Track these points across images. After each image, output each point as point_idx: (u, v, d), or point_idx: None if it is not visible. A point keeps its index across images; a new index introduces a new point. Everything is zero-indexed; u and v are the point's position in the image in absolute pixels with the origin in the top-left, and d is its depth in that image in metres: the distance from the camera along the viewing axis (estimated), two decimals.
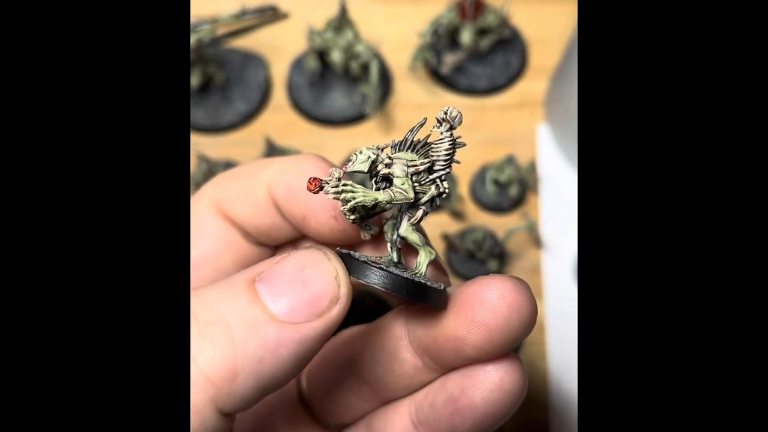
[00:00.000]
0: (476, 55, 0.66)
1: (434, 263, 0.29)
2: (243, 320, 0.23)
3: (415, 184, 0.27)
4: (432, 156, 0.27)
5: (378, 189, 0.27)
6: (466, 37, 0.63)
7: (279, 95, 0.67)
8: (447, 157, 0.27)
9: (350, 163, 0.27)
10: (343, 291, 0.24)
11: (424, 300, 0.27)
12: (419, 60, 0.63)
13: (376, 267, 0.26)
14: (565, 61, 0.60)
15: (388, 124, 0.66)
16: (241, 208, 0.31)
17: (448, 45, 0.66)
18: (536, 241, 0.61)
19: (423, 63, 0.64)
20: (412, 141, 0.28)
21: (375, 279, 0.26)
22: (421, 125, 0.28)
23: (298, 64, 0.67)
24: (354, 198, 0.26)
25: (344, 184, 0.26)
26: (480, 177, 0.62)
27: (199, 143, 0.65)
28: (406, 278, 0.26)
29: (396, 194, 0.26)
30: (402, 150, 0.28)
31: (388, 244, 0.29)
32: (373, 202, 0.26)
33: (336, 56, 0.61)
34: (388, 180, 0.27)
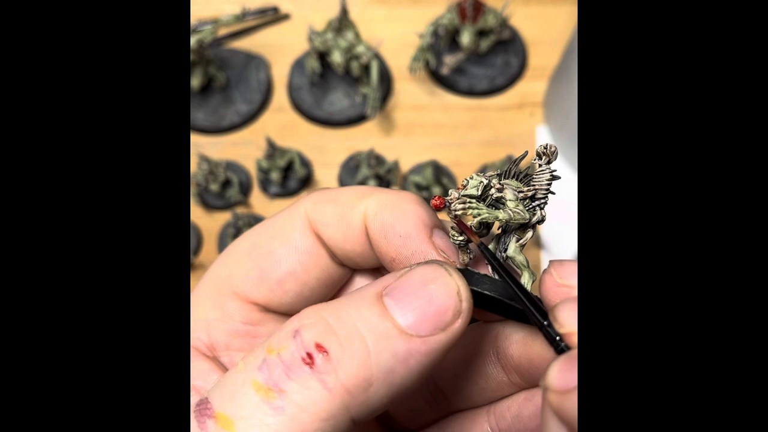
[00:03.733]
0: (476, 56, 0.66)
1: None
2: (376, 334, 0.24)
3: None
4: (534, 185, 0.30)
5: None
6: (466, 38, 0.63)
7: (280, 96, 0.67)
8: (547, 187, 0.30)
9: (463, 188, 0.28)
10: (465, 306, 0.26)
11: (537, 317, 0.28)
12: (419, 61, 0.63)
13: (497, 279, 0.28)
14: (563, 63, 0.60)
15: (388, 125, 0.66)
16: (335, 231, 0.32)
17: (448, 46, 0.67)
18: (536, 241, 0.61)
19: (423, 64, 0.64)
20: (514, 171, 0.30)
21: (496, 290, 0.28)
22: (523, 157, 0.30)
23: (298, 65, 0.67)
24: (480, 214, 0.28)
25: (470, 202, 0.28)
26: None
27: (200, 143, 0.65)
28: (529, 293, 0.28)
29: (514, 214, 0.28)
30: (507, 178, 0.30)
31: (489, 268, 0.30)
32: (495, 219, 0.28)
33: (337, 57, 0.61)
34: (498, 205, 0.29)
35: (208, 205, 0.63)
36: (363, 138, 0.66)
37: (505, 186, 0.29)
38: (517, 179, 0.30)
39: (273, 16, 0.70)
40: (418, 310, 0.25)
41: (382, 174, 0.62)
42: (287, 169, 0.63)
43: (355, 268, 0.34)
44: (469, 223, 0.28)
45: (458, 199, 0.28)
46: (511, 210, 0.28)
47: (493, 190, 0.28)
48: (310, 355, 0.23)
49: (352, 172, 0.64)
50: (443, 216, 0.30)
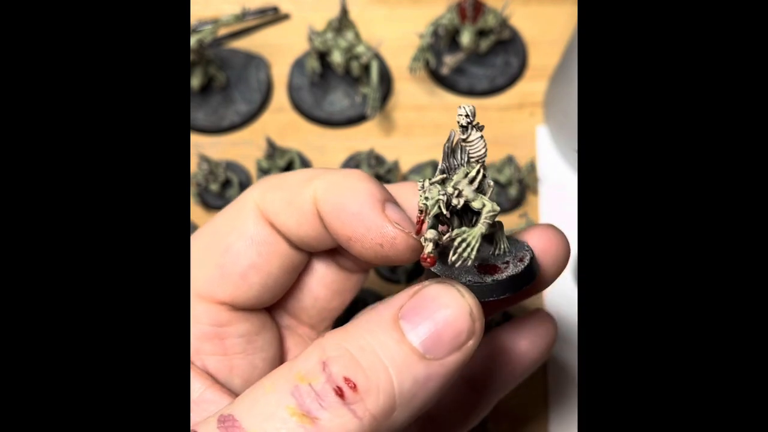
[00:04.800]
0: (476, 56, 0.66)
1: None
2: (397, 363, 0.25)
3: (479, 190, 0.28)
4: (474, 156, 0.28)
5: (460, 220, 0.29)
6: (465, 38, 0.63)
7: (280, 96, 0.67)
8: (484, 146, 0.28)
9: (427, 211, 0.27)
10: (477, 325, 0.27)
11: (533, 277, 0.29)
12: (419, 61, 0.63)
13: (494, 281, 0.28)
14: (563, 63, 0.60)
15: (388, 125, 0.66)
16: (286, 218, 0.31)
17: (448, 46, 0.67)
18: None
19: (423, 64, 0.64)
20: (446, 152, 0.29)
21: (500, 292, 0.28)
22: (451, 140, 0.29)
23: (298, 65, 0.67)
24: (475, 247, 0.27)
25: (460, 241, 0.27)
26: None
27: (200, 143, 0.65)
28: (522, 270, 0.29)
29: (488, 219, 0.28)
30: (451, 169, 0.28)
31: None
32: (481, 233, 0.28)
33: (337, 57, 0.61)
34: (466, 207, 0.28)
35: (208, 205, 0.63)
36: (363, 138, 0.66)
37: (458, 185, 0.27)
38: (455, 159, 0.28)
39: (273, 16, 0.70)
40: (435, 334, 0.26)
41: (382, 174, 0.62)
42: (287, 169, 0.63)
43: (312, 252, 0.34)
44: (426, 248, 0.28)
45: (447, 239, 0.27)
46: (484, 216, 0.28)
47: (454, 201, 0.27)
48: (340, 388, 0.24)
49: None
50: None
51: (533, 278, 0.29)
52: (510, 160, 0.61)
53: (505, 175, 0.61)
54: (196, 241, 0.32)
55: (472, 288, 0.28)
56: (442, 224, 0.29)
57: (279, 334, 0.36)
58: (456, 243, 0.27)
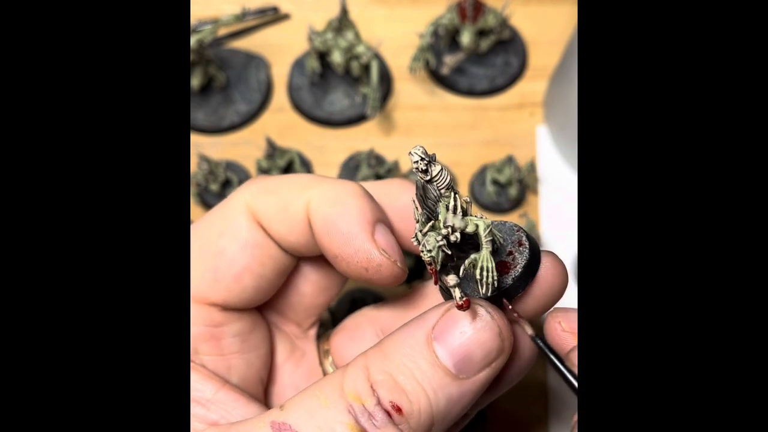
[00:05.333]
0: (476, 56, 0.66)
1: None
2: (433, 385, 0.28)
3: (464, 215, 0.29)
4: (441, 189, 0.28)
5: (459, 248, 0.29)
6: (466, 38, 0.63)
7: (280, 96, 0.67)
8: (449, 178, 0.29)
9: (436, 261, 0.28)
10: (507, 344, 0.29)
11: (539, 253, 0.30)
12: (419, 61, 0.63)
13: (514, 279, 0.29)
14: (563, 63, 0.60)
15: (388, 125, 0.66)
16: (278, 224, 0.32)
17: (448, 46, 0.67)
18: None
19: (423, 64, 0.64)
20: (420, 200, 0.29)
21: (522, 285, 0.30)
22: (418, 187, 0.29)
23: (298, 65, 0.67)
24: (493, 269, 0.28)
25: (480, 271, 0.28)
26: (480, 177, 0.63)
27: (200, 143, 0.65)
28: (528, 254, 0.29)
29: (488, 236, 0.28)
30: (431, 212, 0.29)
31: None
32: (490, 256, 0.28)
33: (337, 57, 0.61)
34: (464, 238, 0.28)
35: (209, 205, 0.63)
36: (363, 138, 0.66)
37: (446, 222, 0.27)
38: (431, 197, 0.29)
39: (273, 16, 0.70)
40: (467, 356, 0.28)
41: (382, 174, 0.62)
42: (287, 169, 0.63)
43: (300, 257, 0.34)
44: (432, 267, 0.28)
45: (482, 285, 0.28)
46: (482, 234, 0.28)
47: (452, 238, 0.27)
48: (388, 411, 0.27)
49: (352, 172, 0.64)
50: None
51: (539, 254, 0.30)
52: (510, 160, 0.61)
53: (505, 175, 0.61)
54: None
55: (499, 293, 0.29)
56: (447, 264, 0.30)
57: (270, 331, 0.36)
58: (477, 275, 0.28)
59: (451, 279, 0.28)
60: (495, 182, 0.62)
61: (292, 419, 0.27)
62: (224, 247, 0.32)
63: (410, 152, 0.28)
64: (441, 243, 0.27)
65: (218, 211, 0.33)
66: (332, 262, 0.31)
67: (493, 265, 0.28)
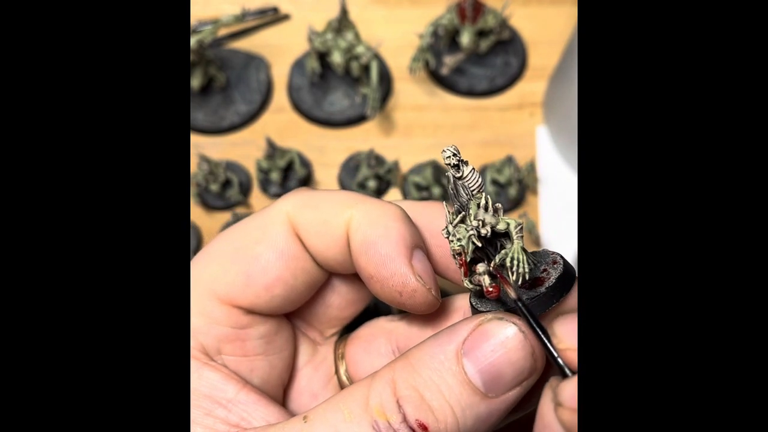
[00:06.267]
0: (476, 57, 0.66)
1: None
2: (461, 404, 0.27)
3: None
4: (473, 189, 0.29)
5: (486, 252, 0.29)
6: (465, 38, 0.63)
7: (280, 96, 0.67)
8: (479, 180, 0.29)
9: (465, 251, 0.28)
10: (539, 364, 0.28)
11: (573, 270, 0.29)
12: (419, 61, 0.63)
13: (548, 288, 0.28)
14: (563, 63, 0.60)
15: (388, 125, 0.66)
16: (317, 239, 0.32)
17: (447, 46, 0.67)
18: (536, 242, 0.61)
19: (423, 64, 0.64)
20: (452, 194, 0.29)
21: (557, 295, 0.28)
22: (450, 181, 0.29)
23: (298, 65, 0.67)
24: (525, 260, 0.28)
25: (510, 261, 0.28)
26: None
27: (200, 144, 0.65)
28: (563, 269, 0.29)
29: (519, 232, 0.28)
30: (463, 206, 0.29)
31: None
32: (521, 248, 0.28)
33: (336, 57, 0.61)
34: (494, 238, 0.29)
35: (208, 206, 0.63)
36: (363, 138, 0.66)
37: (478, 216, 0.28)
38: (462, 196, 0.29)
39: (273, 17, 0.70)
40: (497, 374, 0.27)
41: (382, 174, 0.62)
42: (287, 170, 0.63)
43: (334, 273, 0.34)
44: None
45: (513, 273, 0.28)
46: (513, 231, 0.28)
47: (483, 230, 0.28)
48: (413, 429, 0.27)
49: (352, 172, 0.64)
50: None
51: (574, 272, 0.30)
52: (510, 161, 0.61)
53: (504, 175, 0.61)
54: (223, 243, 0.32)
55: (533, 303, 0.28)
56: (476, 262, 0.29)
57: (294, 333, 0.36)
58: (508, 264, 0.28)
59: (481, 266, 0.28)
60: (495, 182, 0.62)
61: None
62: (259, 254, 0.32)
63: (443, 150, 0.28)
64: (471, 233, 0.27)
65: (258, 218, 0.33)
66: (366, 283, 0.31)
67: (525, 257, 0.28)
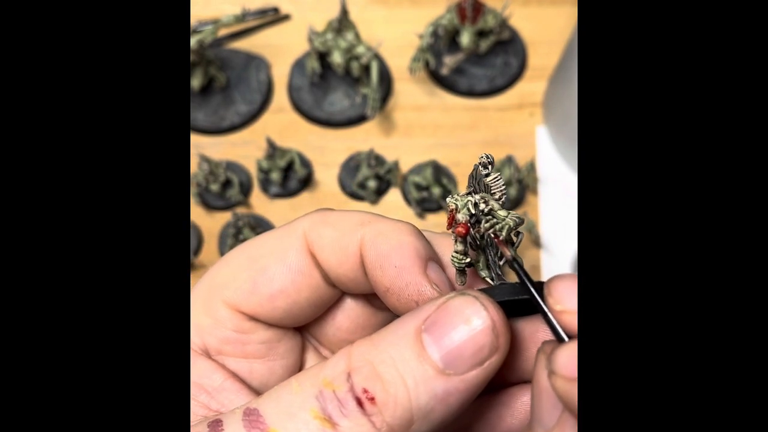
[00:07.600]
0: (476, 57, 0.67)
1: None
2: (415, 377, 0.26)
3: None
4: (494, 191, 0.29)
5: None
6: (465, 38, 0.63)
7: (280, 96, 0.67)
8: (504, 188, 0.29)
9: (458, 209, 0.28)
10: (502, 341, 0.27)
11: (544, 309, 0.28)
12: (419, 61, 0.63)
13: (503, 285, 0.28)
14: (563, 63, 0.60)
15: (388, 125, 0.66)
16: (330, 255, 0.32)
17: (447, 46, 0.67)
18: (536, 241, 0.61)
19: (423, 64, 0.64)
20: (472, 175, 0.29)
21: (504, 294, 0.28)
22: (475, 168, 0.30)
23: (299, 66, 0.67)
24: (505, 227, 0.28)
25: (493, 217, 0.28)
26: None
27: (201, 144, 0.65)
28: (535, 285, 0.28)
29: (515, 217, 0.28)
30: (477, 189, 0.29)
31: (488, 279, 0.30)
32: (510, 227, 0.28)
33: (337, 58, 0.61)
34: (491, 242, 0.29)
35: (209, 206, 0.63)
36: (363, 138, 0.66)
37: (485, 198, 0.29)
38: (480, 189, 0.30)
39: (273, 17, 0.70)
40: (456, 349, 0.26)
41: (382, 174, 0.62)
42: (287, 170, 0.64)
43: (346, 291, 0.35)
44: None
45: (483, 218, 0.28)
46: (509, 217, 0.28)
47: (482, 205, 0.28)
48: (359, 399, 0.26)
49: (352, 172, 0.64)
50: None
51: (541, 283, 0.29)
52: (510, 160, 0.61)
53: (504, 175, 0.61)
54: (240, 251, 0.33)
55: (503, 288, 0.28)
56: (471, 265, 0.30)
57: (301, 343, 0.36)
58: (489, 218, 0.28)
59: (462, 216, 0.28)
60: None
61: (262, 405, 0.26)
62: (268, 265, 0.32)
63: (483, 154, 0.29)
64: (471, 200, 0.28)
65: (277, 232, 0.34)
66: (383, 298, 0.32)
67: (506, 226, 0.28)
